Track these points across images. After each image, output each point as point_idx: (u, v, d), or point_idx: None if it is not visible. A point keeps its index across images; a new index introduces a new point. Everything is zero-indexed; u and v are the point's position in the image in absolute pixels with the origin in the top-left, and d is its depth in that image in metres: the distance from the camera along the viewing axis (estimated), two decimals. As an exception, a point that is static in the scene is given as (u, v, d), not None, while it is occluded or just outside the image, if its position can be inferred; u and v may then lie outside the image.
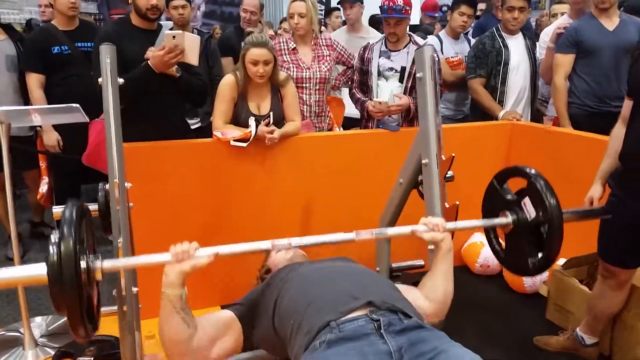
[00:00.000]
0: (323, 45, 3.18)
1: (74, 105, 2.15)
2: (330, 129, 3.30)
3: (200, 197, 2.64)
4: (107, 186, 1.61)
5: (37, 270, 1.23)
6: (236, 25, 4.11)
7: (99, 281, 1.35)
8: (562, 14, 3.83)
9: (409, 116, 3.07)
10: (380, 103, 2.93)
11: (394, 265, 2.50)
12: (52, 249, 1.20)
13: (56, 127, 3.12)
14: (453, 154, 1.96)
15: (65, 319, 2.47)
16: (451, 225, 1.63)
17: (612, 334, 2.30)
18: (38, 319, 2.55)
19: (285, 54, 3.11)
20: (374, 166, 2.94)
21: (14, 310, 2.64)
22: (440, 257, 1.61)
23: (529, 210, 1.66)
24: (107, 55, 1.60)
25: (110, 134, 1.60)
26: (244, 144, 2.59)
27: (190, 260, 1.34)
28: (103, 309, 2.52)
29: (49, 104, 3.09)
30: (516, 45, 3.45)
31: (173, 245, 1.37)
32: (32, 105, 3.08)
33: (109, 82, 1.59)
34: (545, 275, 2.85)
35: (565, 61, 3.18)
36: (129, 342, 1.66)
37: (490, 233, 1.90)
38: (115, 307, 2.56)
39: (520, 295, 2.91)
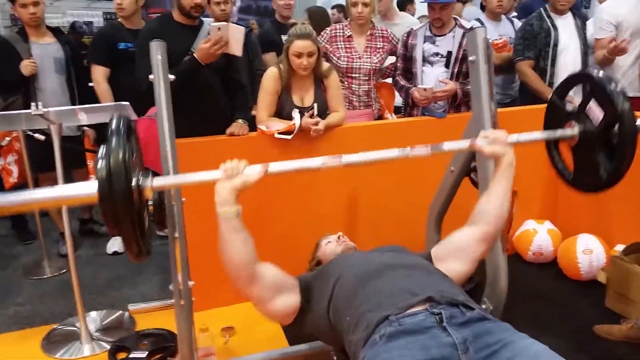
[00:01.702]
0: (379, 37, 3.13)
1: (122, 103, 2.18)
2: (380, 116, 3.25)
3: (247, 191, 2.63)
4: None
5: (87, 189, 1.18)
6: (272, 19, 4.09)
7: (149, 201, 1.32)
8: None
9: (456, 102, 2.99)
10: (425, 90, 2.86)
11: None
12: (102, 162, 1.15)
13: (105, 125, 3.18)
14: (515, 189, 1.88)
15: (120, 312, 2.59)
16: (513, 137, 1.53)
17: (680, 323, 2.19)
18: (93, 313, 2.61)
19: (340, 41, 3.07)
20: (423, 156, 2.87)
21: (67, 306, 2.71)
22: (500, 173, 1.51)
23: (596, 113, 1.52)
24: (157, 51, 1.60)
25: (163, 130, 1.61)
26: (289, 137, 2.58)
27: (240, 177, 1.32)
28: (157, 303, 2.58)
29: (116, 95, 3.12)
30: (565, 25, 3.32)
31: (222, 163, 1.35)
32: (98, 96, 3.15)
33: (160, 78, 1.59)
34: (602, 261, 2.75)
35: None
36: (186, 336, 1.67)
37: (553, 152, 1.77)
38: (168, 301, 2.62)
39: (576, 283, 2.81)
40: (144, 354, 2.23)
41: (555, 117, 1.69)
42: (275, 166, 1.38)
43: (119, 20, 3.35)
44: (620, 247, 2.76)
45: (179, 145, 2.43)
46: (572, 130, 1.57)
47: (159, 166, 2.79)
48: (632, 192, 2.65)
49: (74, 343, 2.40)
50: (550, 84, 3.33)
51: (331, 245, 1.85)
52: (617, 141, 1.50)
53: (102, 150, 1.19)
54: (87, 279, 2.98)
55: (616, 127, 1.50)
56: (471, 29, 2.96)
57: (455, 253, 1.57)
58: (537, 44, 3.31)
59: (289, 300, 1.50)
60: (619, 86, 1.50)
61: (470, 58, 1.96)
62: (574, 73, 1.64)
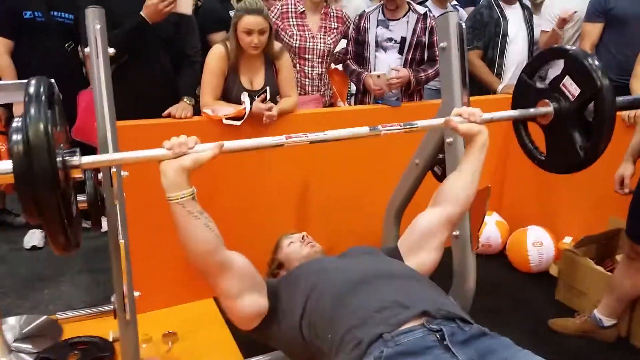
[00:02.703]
0: (333, 16, 2.94)
1: (21, 82, 1.86)
2: (332, 104, 3.08)
3: (191, 180, 2.39)
4: (100, 175, 1.37)
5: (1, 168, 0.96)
6: None
7: (78, 181, 1.11)
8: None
9: (409, 90, 2.89)
10: (378, 76, 2.74)
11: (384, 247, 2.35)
12: (18, 135, 0.94)
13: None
14: (489, 185, 1.79)
15: (44, 318, 2.28)
16: (488, 115, 1.46)
17: (632, 315, 2.22)
18: (11, 319, 2.27)
19: (292, 17, 2.85)
20: (375, 144, 2.74)
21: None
22: (472, 153, 1.44)
23: (571, 90, 1.46)
24: (96, 20, 1.34)
25: (102, 113, 1.36)
26: (238, 123, 2.36)
27: (191, 154, 1.14)
28: (90, 311, 2.29)
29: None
30: (514, 15, 3.30)
31: (167, 139, 1.15)
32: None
33: (99, 51, 1.33)
34: (552, 254, 2.77)
35: (592, 30, 3.03)
36: (132, 353, 1.45)
37: (522, 132, 1.71)
38: (102, 308, 2.34)
39: (526, 275, 2.82)
40: (74, 367, 1.97)
41: (525, 96, 1.61)
42: (231, 144, 1.19)
43: None
44: (568, 240, 2.80)
45: (133, 128, 2.19)
46: (547, 108, 1.51)
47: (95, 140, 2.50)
48: (577, 184, 2.69)
49: (-15, 356, 2.08)
50: (498, 75, 3.31)
51: (295, 247, 1.67)
52: (595, 117, 1.44)
53: (17, 121, 0.96)
54: (2, 279, 2.63)
55: (592, 103, 1.44)
56: (425, 14, 2.89)
57: (422, 241, 1.47)
58: (486, 33, 3.28)
59: (258, 302, 1.33)
60: (596, 61, 1.43)
61: (441, 44, 1.84)
62: (547, 49, 1.56)
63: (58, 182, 0.97)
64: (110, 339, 2.16)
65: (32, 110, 0.95)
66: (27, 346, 2.14)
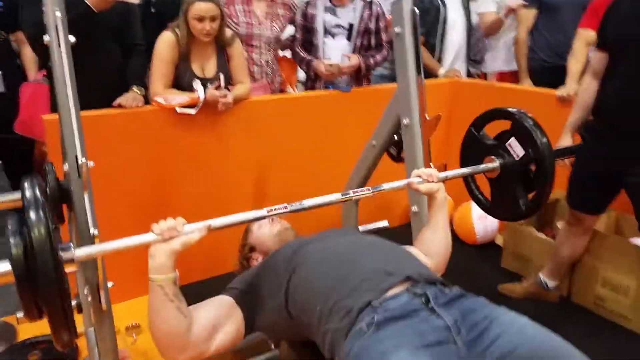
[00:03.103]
0: (279, 3, 2.93)
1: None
2: (282, 90, 3.10)
3: (144, 172, 2.36)
4: (66, 166, 1.33)
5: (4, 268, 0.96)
6: None
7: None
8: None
9: (358, 75, 2.96)
10: (331, 66, 2.79)
11: (360, 227, 2.43)
12: (19, 240, 0.97)
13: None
14: (440, 113, 1.89)
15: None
16: (443, 174, 1.59)
17: (572, 276, 2.42)
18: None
19: (238, 3, 2.82)
20: (329, 128, 2.82)
21: None
22: (436, 208, 1.56)
23: (516, 150, 1.63)
24: (55, 7, 1.29)
25: (67, 105, 1.31)
26: (192, 111, 2.35)
27: (180, 238, 1.15)
28: None
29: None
30: (453, 2, 3.43)
31: (155, 223, 1.17)
32: None
33: (61, 41, 1.29)
34: (495, 226, 2.95)
35: (527, 16, 3.22)
36: (111, 345, 1.43)
37: (471, 183, 1.88)
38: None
39: (472, 247, 2.99)
40: (36, 367, 1.91)
41: (473, 149, 1.79)
42: (218, 222, 1.23)
43: None
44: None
45: (53, 122, 2.11)
46: (494, 164, 1.67)
47: (40, 134, 2.39)
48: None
49: (-64, 365, 1.97)
50: (439, 60, 3.45)
51: (265, 228, 1.69)
52: (536, 176, 1.62)
53: (14, 224, 1.00)
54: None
55: (534, 165, 1.63)
56: (371, 2, 2.96)
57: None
58: (427, 19, 3.39)
59: (230, 331, 1.33)
60: (537, 124, 1.61)
61: (395, 30, 1.90)
62: (494, 109, 1.74)
63: (63, 280, 0.98)
64: (72, 337, 2.12)
65: (33, 215, 0.98)
66: (-19, 351, 2.05)
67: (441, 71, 3.38)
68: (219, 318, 1.32)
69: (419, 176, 1.52)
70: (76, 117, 1.33)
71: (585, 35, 2.68)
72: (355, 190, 1.47)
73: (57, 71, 1.32)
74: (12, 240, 0.98)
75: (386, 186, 1.51)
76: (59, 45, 1.31)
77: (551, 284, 2.37)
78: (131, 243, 1.15)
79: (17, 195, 1.40)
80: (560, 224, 2.48)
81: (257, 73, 2.88)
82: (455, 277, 2.60)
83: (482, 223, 2.94)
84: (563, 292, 2.45)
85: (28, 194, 1.04)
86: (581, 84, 2.14)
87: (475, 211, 2.97)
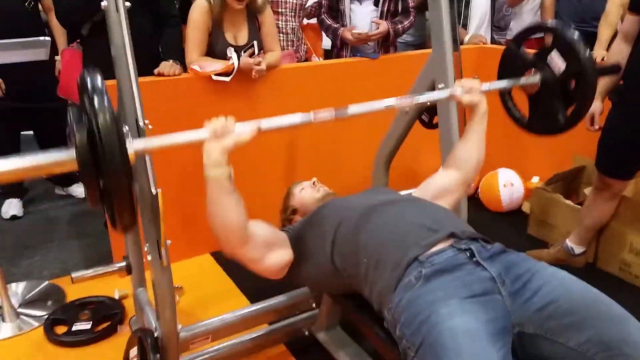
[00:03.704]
0: None
1: (41, 39, 1.81)
2: (307, 59, 3.11)
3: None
4: (126, 129, 1.37)
5: (68, 155, 1.00)
6: None
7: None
8: None
9: (387, 42, 2.97)
10: (359, 34, 2.79)
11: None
12: (84, 127, 0.99)
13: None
14: (476, 76, 1.91)
15: (46, 283, 2.27)
16: (485, 86, 1.60)
17: (598, 242, 2.46)
18: (12, 286, 2.26)
19: None
20: (357, 96, 2.79)
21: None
22: (476, 120, 1.58)
23: (558, 63, 1.61)
24: (111, -28, 1.33)
25: (126, 70, 1.36)
26: (227, 78, 2.38)
27: (232, 136, 1.20)
28: (104, 269, 2.31)
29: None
30: (478, -33, 3.41)
31: (207, 120, 1.22)
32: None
33: (120, 5, 1.33)
34: (521, 193, 2.99)
35: None
36: (169, 300, 1.51)
37: (507, 100, 1.85)
38: (115, 265, 2.35)
39: (498, 214, 3.03)
40: (88, 325, 2.01)
41: (512, 64, 1.76)
42: (267, 123, 1.26)
43: None
44: (535, 179, 3.02)
45: (110, 87, 2.14)
46: (534, 78, 1.65)
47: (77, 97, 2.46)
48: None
49: (-9, 322, 2.08)
50: (464, 26, 3.44)
51: (307, 192, 1.75)
52: (577, 90, 1.61)
53: (75, 113, 1.02)
54: (-12, 249, 2.59)
55: (574, 79, 1.61)
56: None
57: (439, 194, 1.58)
58: (452, -15, 3.37)
59: (281, 256, 1.41)
60: (580, 38, 1.57)
61: (431, -6, 1.91)
62: (535, 23, 1.71)
63: (130, 169, 1.02)
64: (117, 297, 2.21)
65: (98, 101, 0.99)
66: (33, 311, 2.15)
67: (466, 37, 3.37)
68: (275, 239, 1.40)
69: (462, 86, 1.53)
70: (136, 81, 1.38)
71: None
72: (399, 98, 1.46)
73: (115, 36, 1.37)
74: (75, 127, 1.00)
75: (424, 97, 1.54)
76: (117, 10, 1.34)
77: (578, 249, 2.42)
78: (186, 138, 1.20)
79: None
80: (587, 191, 2.51)
81: (282, 41, 2.88)
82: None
83: (509, 190, 2.97)
84: (589, 259, 2.49)
85: (89, 83, 1.04)
86: (612, 48, 2.14)
87: (502, 179, 3.01)
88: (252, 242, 1.32)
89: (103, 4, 1.35)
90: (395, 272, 1.23)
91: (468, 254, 1.23)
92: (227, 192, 1.22)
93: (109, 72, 2.11)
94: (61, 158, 1.01)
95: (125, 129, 1.14)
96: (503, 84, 1.71)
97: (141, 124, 1.35)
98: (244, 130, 1.21)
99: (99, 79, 1.05)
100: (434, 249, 1.25)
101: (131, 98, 1.37)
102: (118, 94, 1.43)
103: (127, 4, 1.37)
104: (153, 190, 1.36)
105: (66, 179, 3.30)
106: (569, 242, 2.44)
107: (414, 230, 1.30)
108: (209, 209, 1.25)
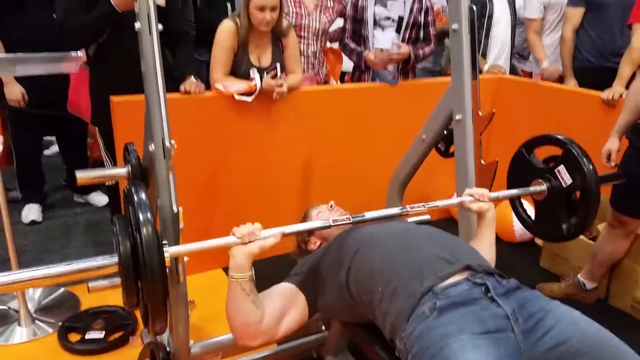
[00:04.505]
0: None
1: (73, 54, 1.88)
2: (326, 81, 3.17)
3: (201, 155, 2.46)
4: (152, 147, 1.43)
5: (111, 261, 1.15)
6: None
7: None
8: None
9: (407, 66, 3.01)
10: (381, 50, 2.84)
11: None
12: (127, 238, 1.11)
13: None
14: (494, 110, 1.95)
15: (62, 290, 2.32)
16: (494, 195, 1.66)
17: (610, 278, 2.46)
18: (29, 291, 2.31)
19: None
20: (375, 120, 2.89)
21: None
22: (485, 226, 1.63)
23: (564, 177, 1.72)
24: (148, -1, 1.39)
25: (156, 90, 1.41)
26: (249, 99, 2.44)
27: (257, 242, 1.27)
28: (114, 280, 2.36)
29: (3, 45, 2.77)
30: (499, -2, 3.46)
31: (236, 227, 1.30)
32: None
33: (152, 29, 1.38)
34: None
35: (574, 14, 3.21)
36: (184, 315, 1.54)
37: (516, 203, 1.94)
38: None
39: (511, 245, 3.03)
40: (101, 334, 2.04)
41: (522, 170, 1.86)
42: (290, 229, 1.35)
43: None
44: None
45: (122, 104, 2.23)
46: (541, 187, 1.75)
47: (87, 115, 2.53)
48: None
49: (9, 326, 2.12)
50: (483, 55, 3.48)
51: (324, 216, 1.78)
52: (580, 202, 1.71)
53: (122, 222, 1.15)
54: (6, 252, 2.63)
55: (578, 192, 1.71)
56: (422, -6, 3.00)
57: None
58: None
59: (294, 318, 1.45)
60: (589, 160, 1.68)
61: (452, 26, 1.95)
62: (547, 135, 1.79)
63: (165, 276, 1.11)
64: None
65: (142, 216, 1.12)
66: (48, 317, 2.20)
67: (485, 67, 3.40)
68: (284, 306, 1.43)
69: (471, 195, 1.59)
70: (164, 102, 1.43)
71: None
72: (412, 206, 1.54)
73: (147, 58, 1.42)
74: (120, 238, 1.12)
75: (440, 203, 1.60)
76: (150, 33, 1.40)
77: (589, 285, 2.41)
78: (216, 244, 1.27)
79: (121, 170, 1.54)
80: (600, 227, 2.51)
81: (303, 64, 2.94)
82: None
83: (521, 220, 2.97)
84: (601, 295, 2.49)
85: (136, 197, 1.16)
86: (632, 86, 2.16)
87: (515, 208, 3.01)
88: (266, 334, 1.36)
89: (137, 25, 1.40)
90: (409, 301, 1.24)
91: (483, 289, 1.24)
92: (245, 293, 1.29)
93: (115, 90, 2.22)
94: (105, 263, 1.15)
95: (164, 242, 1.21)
96: (511, 192, 1.81)
97: (167, 144, 1.40)
98: (268, 235, 1.29)
99: (143, 193, 1.17)
100: (450, 281, 1.26)
101: (159, 118, 1.41)
102: (145, 113, 1.49)
103: (160, 27, 1.43)
104: (174, 209, 1.40)
105: (85, 187, 3.37)
106: (580, 277, 2.43)
107: (430, 261, 1.32)
108: (227, 306, 1.32)
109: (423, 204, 1.56)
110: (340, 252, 1.46)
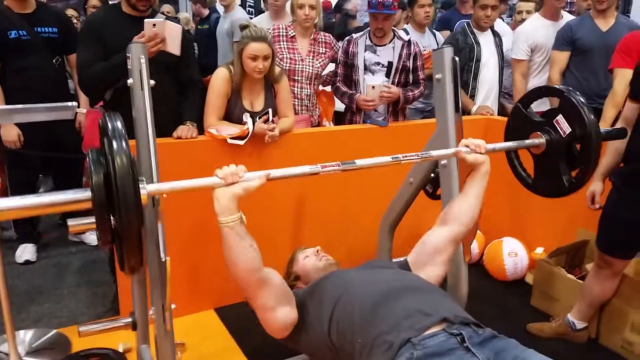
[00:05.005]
0: (322, 42, 3.12)
1: (69, 104, 1.96)
2: (319, 123, 3.25)
3: (193, 198, 2.50)
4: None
5: (84, 195, 1.07)
6: None
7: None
8: (528, 12, 4.00)
9: (396, 108, 3.10)
10: (373, 88, 2.91)
11: (394, 261, 2.53)
12: (100, 169, 1.06)
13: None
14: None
15: (54, 332, 2.33)
16: (490, 146, 1.65)
17: (600, 318, 2.47)
18: (20, 333, 2.32)
19: (283, 41, 3.02)
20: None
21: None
22: (476, 180, 1.63)
23: (563, 127, 1.66)
24: (139, 54, 1.46)
25: (147, 143, 1.47)
26: (241, 142, 2.50)
27: (241, 183, 1.27)
28: (112, 324, 2.36)
29: (4, 94, 2.85)
30: (486, 42, 3.56)
31: (218, 168, 1.29)
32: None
33: (144, 84, 1.45)
34: (526, 263, 3.01)
35: (561, 58, 3.32)
36: (170, 356, 1.56)
37: (514, 159, 1.90)
38: (123, 320, 2.40)
39: (502, 283, 3.05)
40: (91, 378, 2.04)
41: (519, 125, 1.81)
42: (276, 172, 1.34)
43: (4, 3, 2.92)
44: (539, 250, 3.05)
45: None
46: (540, 139, 1.70)
47: None
48: (549, 199, 2.94)
49: (-3, 371, 2.12)
50: (472, 97, 3.57)
51: (310, 260, 1.82)
52: (581, 153, 1.65)
53: (94, 154, 1.09)
54: (-1, 294, 2.65)
55: (579, 143, 1.66)
56: (409, 41, 3.11)
57: (430, 257, 1.64)
58: (461, 58, 3.51)
59: (289, 313, 1.47)
60: (585, 103, 1.64)
61: (436, 76, 2.03)
62: (544, 86, 1.77)
63: (142, 210, 1.09)
64: (121, 350, 2.25)
65: (117, 144, 1.07)
66: (38, 360, 2.20)
67: (474, 108, 3.49)
68: (287, 294, 1.47)
69: (467, 145, 1.58)
70: (154, 151, 1.49)
71: (623, 74, 2.69)
72: (405, 155, 1.52)
73: (138, 111, 1.49)
74: (92, 167, 1.06)
75: (434, 153, 1.60)
76: (142, 89, 1.47)
77: (579, 325, 2.43)
78: (197, 184, 1.25)
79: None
80: (589, 266, 2.54)
81: (297, 106, 3.04)
82: (485, 312, 2.69)
83: (513, 260, 3.00)
84: (591, 334, 2.49)
85: (109, 125, 1.10)
86: None
87: (507, 248, 3.04)
88: (267, 287, 1.38)
89: (129, 81, 1.47)
90: (387, 353, 1.27)
91: (459, 339, 1.27)
92: (240, 237, 1.29)
93: (129, 135, 2.28)
94: (77, 197, 1.08)
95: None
96: (509, 145, 1.77)
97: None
98: (252, 177, 1.28)
99: (119, 123, 1.12)
100: (427, 332, 1.29)
101: (149, 169, 1.46)
102: (137, 157, 1.54)
103: (152, 82, 1.50)
104: (162, 258, 1.44)
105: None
106: (570, 317, 2.45)
107: (409, 314, 1.35)
108: (225, 254, 1.32)
109: (417, 153, 1.55)
110: (323, 299, 1.50)
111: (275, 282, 1.41)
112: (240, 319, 2.43)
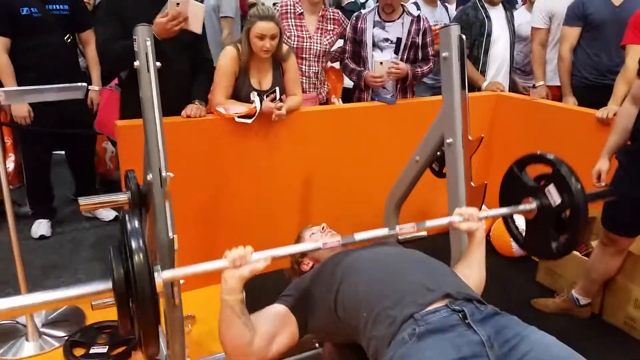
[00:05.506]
0: (330, 18, 3.10)
1: (79, 85, 1.99)
2: (327, 100, 3.26)
3: (203, 175, 2.55)
4: (149, 177, 1.52)
5: (106, 286, 1.15)
6: None
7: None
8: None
9: (405, 84, 3.08)
10: (381, 64, 2.90)
11: (400, 237, 2.56)
12: (121, 264, 1.15)
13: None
14: (482, 135, 2.01)
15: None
16: (483, 214, 1.71)
17: (604, 294, 2.49)
18: (37, 307, 2.40)
19: (291, 18, 3.01)
20: (374, 139, 2.96)
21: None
22: (475, 246, 1.68)
23: (554, 196, 1.74)
24: (146, 37, 1.48)
25: (153, 123, 1.50)
26: (249, 121, 2.52)
27: (248, 265, 1.34)
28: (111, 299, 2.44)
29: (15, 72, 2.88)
30: (497, 16, 3.51)
31: (228, 250, 1.37)
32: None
33: (150, 66, 1.48)
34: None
35: (571, 34, 3.27)
36: (179, 336, 1.62)
37: (508, 219, 1.98)
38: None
39: (508, 259, 3.07)
40: (104, 349, 2.12)
41: (513, 188, 1.88)
42: (280, 251, 1.40)
43: None
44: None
45: (132, 128, 2.32)
46: (531, 205, 1.77)
47: (112, 133, 2.65)
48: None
49: (17, 340, 2.21)
50: (482, 72, 3.53)
51: (316, 237, 1.85)
52: (570, 221, 1.72)
53: (116, 249, 1.19)
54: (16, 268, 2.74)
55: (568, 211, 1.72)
56: (418, 17, 3.08)
57: None
58: (471, 33, 3.48)
59: (286, 338, 1.52)
60: (577, 179, 1.69)
61: (443, 54, 2.02)
62: (538, 153, 1.82)
63: (157, 302, 1.16)
64: (134, 323, 2.33)
65: (134, 243, 1.15)
66: (54, 331, 2.29)
67: (484, 84, 3.46)
68: (276, 328, 1.51)
69: (461, 214, 1.63)
70: (161, 134, 1.52)
71: (637, 50, 2.67)
72: (402, 226, 1.58)
73: (145, 93, 1.52)
74: (113, 264, 1.16)
75: (429, 223, 1.63)
76: (148, 70, 1.49)
77: (583, 301, 2.45)
78: (208, 268, 1.33)
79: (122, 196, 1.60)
80: (595, 243, 2.55)
81: (305, 84, 3.04)
82: (491, 288, 2.71)
83: (518, 236, 3.02)
84: (595, 310, 2.52)
85: (129, 225, 1.21)
86: (620, 109, 2.21)
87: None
88: (258, 353, 1.43)
89: (135, 64, 1.49)
90: (390, 327, 1.30)
91: (461, 316, 1.30)
92: (236, 315, 1.37)
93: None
94: (100, 289, 1.16)
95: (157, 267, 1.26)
96: (501, 212, 1.84)
97: (164, 174, 1.48)
98: (259, 259, 1.35)
99: (136, 222, 1.22)
100: (430, 308, 1.32)
101: (156, 149, 1.50)
102: (144, 144, 1.57)
103: (158, 64, 1.52)
104: (170, 235, 1.48)
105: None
106: (574, 293, 2.48)
107: (412, 289, 1.38)
108: (219, 327, 1.40)
109: (413, 224, 1.59)
110: (329, 277, 1.53)
111: (264, 340, 1.44)
112: (250, 292, 2.47)
